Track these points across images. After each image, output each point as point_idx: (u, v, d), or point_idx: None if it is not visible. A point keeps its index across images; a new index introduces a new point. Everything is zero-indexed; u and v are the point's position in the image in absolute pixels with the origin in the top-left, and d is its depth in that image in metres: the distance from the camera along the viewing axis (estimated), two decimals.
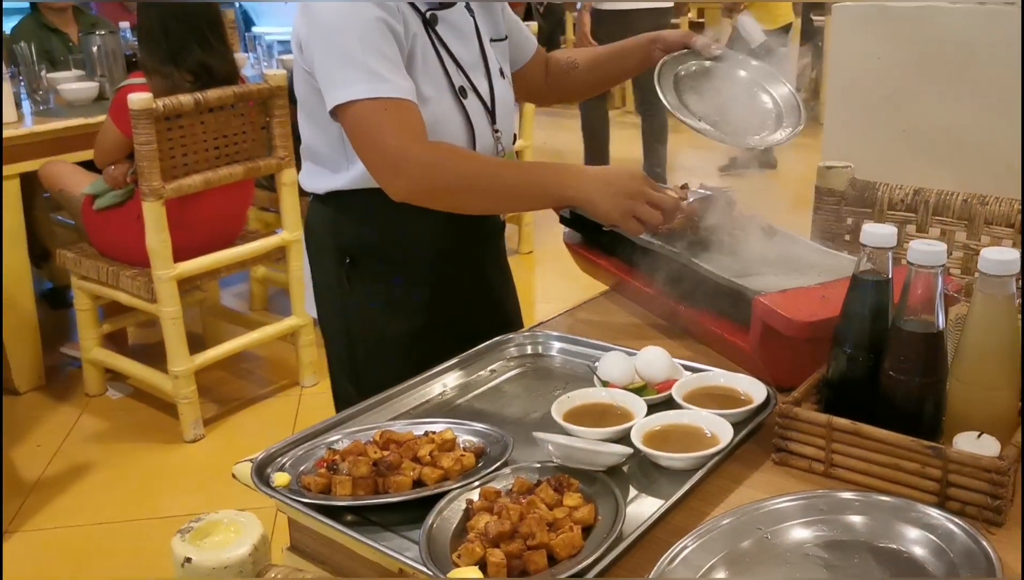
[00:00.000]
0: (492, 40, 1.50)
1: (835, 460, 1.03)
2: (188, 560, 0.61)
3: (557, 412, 1.11)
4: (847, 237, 1.64)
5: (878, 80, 2.27)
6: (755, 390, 1.15)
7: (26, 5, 4.21)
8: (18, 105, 3.22)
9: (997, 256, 0.97)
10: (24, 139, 3.10)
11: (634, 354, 1.23)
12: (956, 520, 0.89)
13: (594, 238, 1.59)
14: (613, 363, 1.21)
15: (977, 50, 2.10)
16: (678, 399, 1.14)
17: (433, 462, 1.03)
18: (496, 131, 1.45)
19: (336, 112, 1.30)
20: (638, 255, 1.46)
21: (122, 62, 3.55)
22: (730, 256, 1.35)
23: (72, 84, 3.48)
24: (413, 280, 1.47)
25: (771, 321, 1.17)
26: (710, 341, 1.35)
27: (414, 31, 1.35)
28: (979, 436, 0.97)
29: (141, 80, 2.71)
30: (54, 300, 3.88)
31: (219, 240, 2.91)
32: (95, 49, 3.50)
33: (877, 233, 1.03)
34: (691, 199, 1.45)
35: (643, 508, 0.97)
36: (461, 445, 1.08)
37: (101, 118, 2.97)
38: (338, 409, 1.50)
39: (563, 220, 1.67)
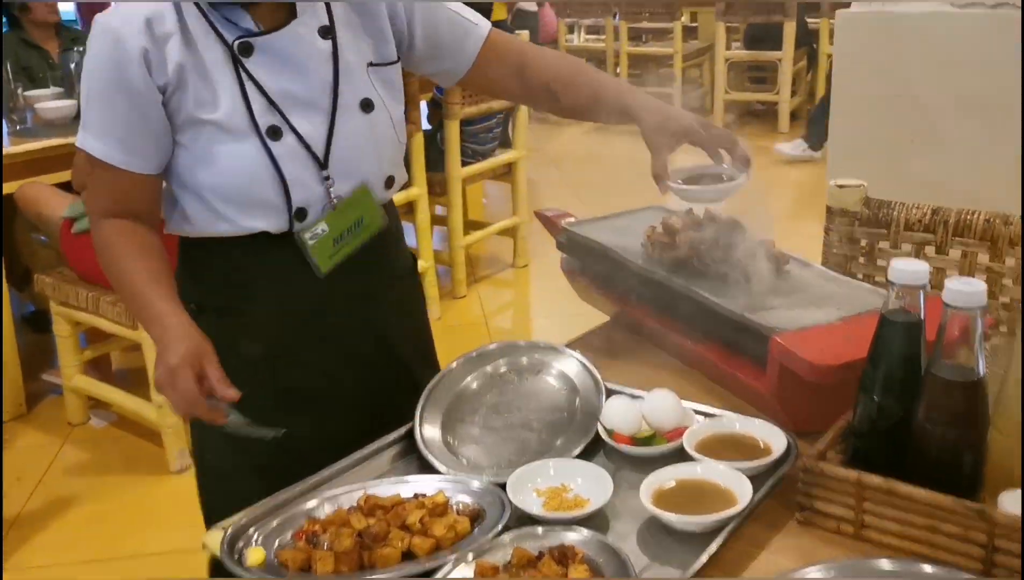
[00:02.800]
0: (372, 64, 1.31)
1: (866, 521, 0.94)
2: None
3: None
4: (861, 259, 1.55)
5: (886, 90, 2.19)
6: (774, 438, 1.06)
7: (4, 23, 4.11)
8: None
9: None
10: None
11: (640, 397, 1.14)
12: None
13: (593, 267, 1.49)
14: (618, 410, 1.12)
15: (990, 56, 2.01)
16: (690, 450, 1.05)
17: (424, 530, 0.94)
18: (327, 177, 1.26)
19: None
20: (641, 285, 1.36)
21: None
22: (740, 286, 1.25)
23: (50, 102, 3.39)
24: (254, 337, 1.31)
25: (790, 363, 1.07)
26: (721, 379, 1.25)
27: (199, 64, 1.21)
28: None
29: None
30: (37, 324, 3.77)
31: None
32: (73, 66, 3.40)
33: (907, 270, 0.94)
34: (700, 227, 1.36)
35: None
36: (454, 507, 0.98)
37: None
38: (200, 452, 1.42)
39: (560, 245, 1.58)
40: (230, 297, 1.32)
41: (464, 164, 3.79)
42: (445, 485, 1.03)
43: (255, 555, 0.91)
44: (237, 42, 1.22)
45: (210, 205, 1.25)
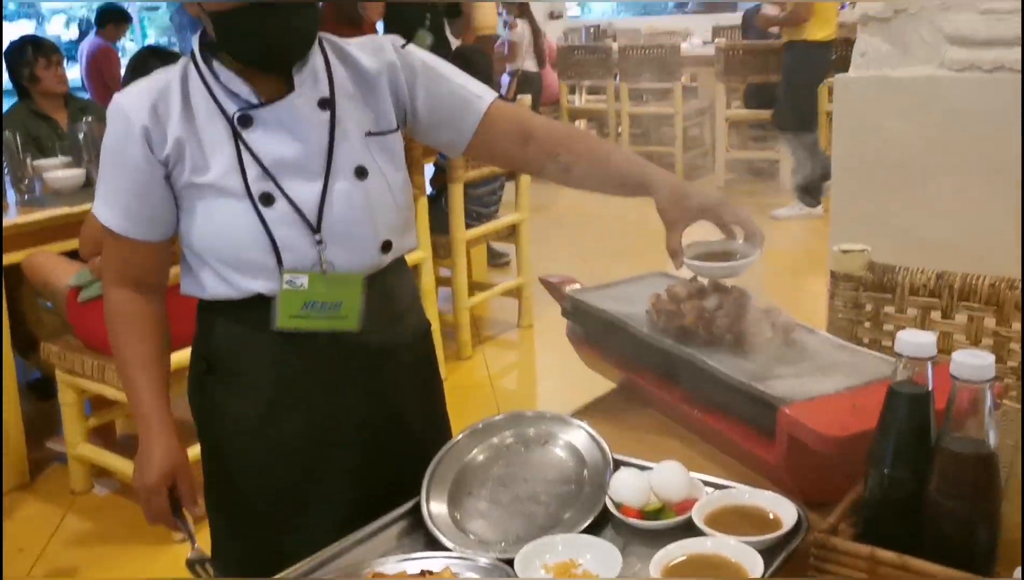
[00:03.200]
0: (371, 133, 1.35)
1: None
2: None
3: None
4: (867, 324, 1.55)
5: (886, 154, 2.21)
6: (784, 510, 1.05)
7: (13, 91, 4.18)
8: (3, 195, 3.16)
9: None
10: (8, 231, 3.02)
11: (649, 469, 1.13)
12: None
13: (599, 334, 1.49)
14: (626, 482, 1.11)
15: (988, 119, 2.04)
16: (699, 523, 1.04)
17: None
18: (319, 241, 1.29)
19: None
20: (647, 353, 1.36)
21: None
22: (746, 355, 1.25)
23: (58, 172, 3.43)
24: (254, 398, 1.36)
25: (799, 434, 1.07)
26: (729, 449, 1.24)
27: (195, 137, 1.27)
28: None
29: None
30: (42, 391, 3.77)
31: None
32: (82, 136, 3.45)
33: (914, 341, 0.94)
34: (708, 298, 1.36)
35: None
36: None
37: (87, 207, 2.90)
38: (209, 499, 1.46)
39: (564, 313, 1.59)
40: (235, 358, 1.36)
41: (468, 226, 3.82)
42: (452, 562, 1.01)
43: None
44: (237, 114, 1.27)
45: (213, 267, 1.30)
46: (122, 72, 7.17)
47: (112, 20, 7.27)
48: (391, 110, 1.37)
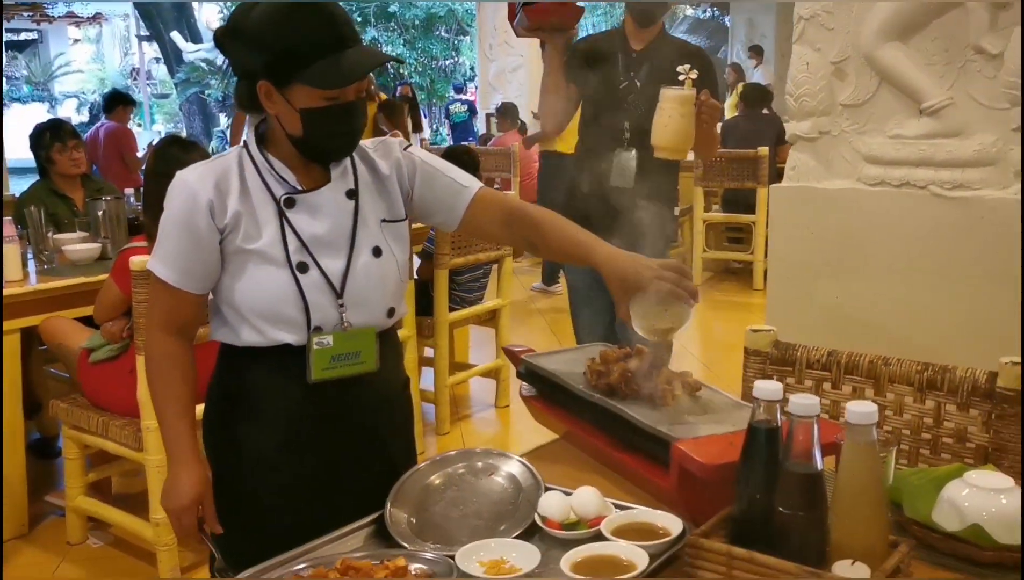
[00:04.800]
0: (385, 221, 1.64)
1: None
2: None
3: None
4: None
5: (814, 251, 2.53)
6: (672, 524, 1.31)
7: (34, 170, 4.52)
8: (24, 264, 3.44)
9: (859, 408, 1.16)
10: (28, 296, 3.30)
11: (570, 493, 1.40)
12: None
13: (545, 392, 1.77)
14: (551, 502, 1.38)
15: (897, 226, 2.36)
16: (606, 533, 1.31)
17: None
18: (341, 305, 1.57)
19: None
20: (580, 407, 1.64)
21: (125, 225, 3.81)
22: (658, 407, 1.53)
23: (76, 245, 3.72)
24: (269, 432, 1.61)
25: (686, 464, 1.34)
26: (637, 481, 1.52)
27: (251, 212, 1.54)
28: (853, 563, 1.13)
29: (143, 244, 2.95)
30: (40, 451, 3.99)
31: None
32: (100, 213, 3.76)
33: (767, 388, 1.23)
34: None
35: None
36: (412, 571, 1.23)
37: (101, 277, 3.19)
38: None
39: (519, 374, 1.87)
40: (258, 398, 1.61)
41: (451, 309, 4.11)
42: (407, 555, 1.27)
43: None
44: (284, 197, 1.57)
45: (247, 319, 1.56)
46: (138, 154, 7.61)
47: (121, 103, 7.68)
48: (400, 201, 1.68)
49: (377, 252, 1.62)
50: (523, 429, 4.38)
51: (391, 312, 1.66)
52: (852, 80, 2.41)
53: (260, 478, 1.62)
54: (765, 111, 7.44)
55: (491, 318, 4.44)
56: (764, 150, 6.65)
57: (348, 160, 1.64)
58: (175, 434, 1.60)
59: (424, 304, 4.00)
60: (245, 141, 1.63)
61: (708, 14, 17.40)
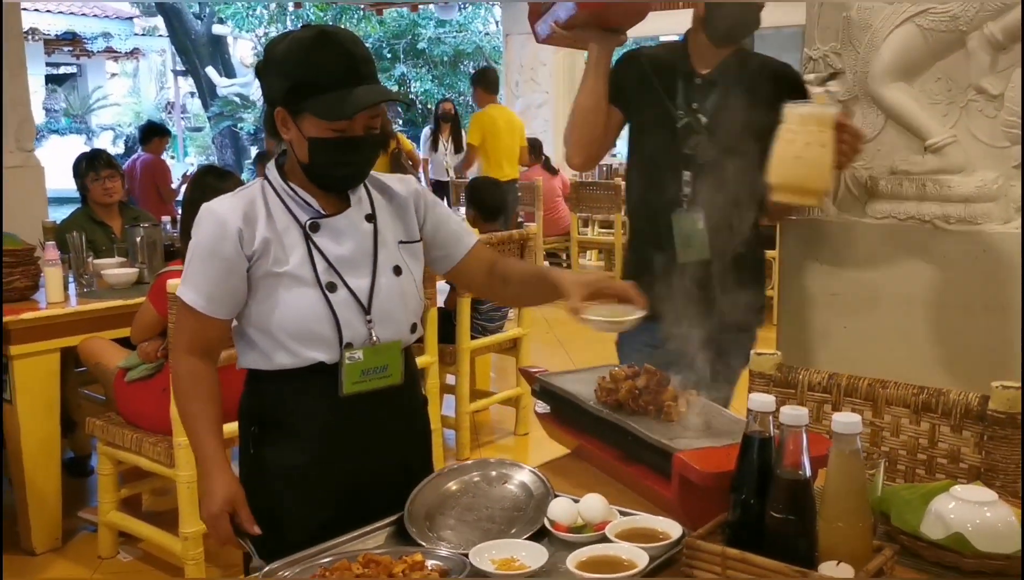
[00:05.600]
0: (402, 242, 1.76)
1: None
2: None
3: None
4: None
5: (821, 285, 2.61)
6: (673, 529, 1.40)
7: (77, 199, 4.70)
8: (65, 287, 3.60)
9: (844, 419, 1.25)
10: (68, 317, 3.45)
11: (578, 500, 1.49)
12: None
13: (558, 409, 1.87)
14: (560, 507, 1.47)
15: (901, 259, 2.44)
16: (610, 536, 1.40)
17: (405, 578, 1.28)
18: (369, 321, 1.66)
19: None
20: (590, 422, 1.74)
21: (161, 252, 3.96)
22: (663, 423, 1.63)
23: (115, 270, 3.88)
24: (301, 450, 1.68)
25: (685, 473, 1.44)
26: (643, 492, 1.61)
27: (278, 238, 1.63)
28: (838, 564, 1.22)
29: (179, 267, 3.08)
30: (74, 469, 4.12)
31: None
32: (138, 240, 3.92)
33: (761, 400, 1.32)
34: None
35: None
36: (429, 566, 1.33)
37: (138, 300, 3.33)
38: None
39: (534, 393, 1.96)
40: (290, 417, 1.69)
41: (473, 338, 4.22)
42: (422, 551, 1.37)
43: None
44: (309, 221, 1.67)
45: (279, 341, 1.65)
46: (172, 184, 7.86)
47: (156, 135, 7.94)
48: (416, 225, 1.80)
49: (397, 271, 1.72)
50: (543, 456, 4.46)
51: (414, 327, 1.76)
52: (859, 118, 2.51)
53: (292, 492, 1.69)
54: None
55: (512, 347, 4.54)
56: None
57: (363, 189, 1.74)
58: (205, 448, 1.67)
59: (447, 331, 4.11)
60: (267, 173, 1.72)
61: None
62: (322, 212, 1.69)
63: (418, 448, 1.85)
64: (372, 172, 1.77)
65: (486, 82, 7.27)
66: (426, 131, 9.98)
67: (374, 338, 1.68)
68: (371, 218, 1.72)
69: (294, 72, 1.60)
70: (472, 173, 7.35)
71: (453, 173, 8.73)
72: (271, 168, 1.73)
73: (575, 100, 2.39)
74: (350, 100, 1.57)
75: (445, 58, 18.07)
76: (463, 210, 4.91)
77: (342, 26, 1.61)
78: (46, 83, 18.37)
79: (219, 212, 1.65)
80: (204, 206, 1.66)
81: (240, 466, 1.79)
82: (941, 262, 2.40)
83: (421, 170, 8.59)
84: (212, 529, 1.66)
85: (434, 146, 9.17)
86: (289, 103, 1.62)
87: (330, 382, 1.66)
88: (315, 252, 1.66)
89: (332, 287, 1.65)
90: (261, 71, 1.67)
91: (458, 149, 8.80)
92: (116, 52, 18.26)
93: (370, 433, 1.72)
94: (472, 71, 18.02)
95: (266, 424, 1.71)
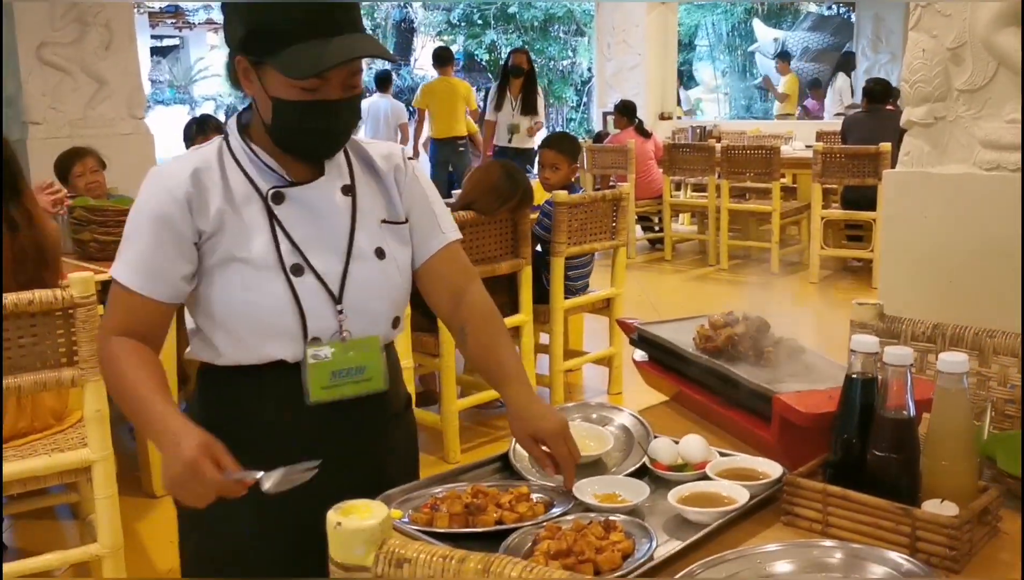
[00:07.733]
0: (385, 221, 1.48)
1: (831, 521, 1.29)
2: (338, 524, 0.92)
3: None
4: (879, 364, 1.90)
5: (925, 237, 2.56)
6: (772, 469, 1.42)
7: None
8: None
9: (950, 358, 1.24)
10: None
11: (678, 441, 1.52)
12: (913, 561, 1.13)
13: (656, 356, 1.90)
14: (661, 446, 1.51)
15: (1010, 211, 2.38)
16: (711, 475, 1.43)
17: (511, 508, 1.33)
18: (340, 311, 1.40)
19: None
20: (690, 368, 1.76)
21: None
22: (762, 367, 1.64)
23: None
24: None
25: (786, 414, 1.45)
26: (743, 436, 1.63)
27: (234, 210, 1.36)
28: (942, 502, 1.22)
29: None
30: None
31: None
32: None
33: (864, 341, 1.33)
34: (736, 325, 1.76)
35: (671, 547, 1.24)
36: (535, 498, 1.38)
37: None
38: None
39: (632, 342, 1.99)
40: (245, 425, 1.41)
41: (566, 297, 4.26)
42: (528, 484, 1.42)
43: (394, 514, 1.32)
44: (271, 191, 1.40)
45: (236, 335, 1.38)
46: None
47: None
48: (399, 203, 1.51)
49: (380, 254, 1.45)
50: None
51: (395, 322, 1.49)
52: (969, 66, 2.44)
53: (245, 522, 1.40)
54: (889, 107, 7.30)
55: (605, 306, 4.56)
56: (886, 146, 6.53)
57: (342, 155, 1.47)
58: (154, 406, 1.30)
59: (539, 292, 4.15)
60: (227, 130, 1.45)
61: (833, 11, 17.03)
62: (288, 179, 1.42)
63: (403, 461, 1.60)
64: (354, 137, 1.49)
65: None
66: (492, 88, 7.94)
67: (345, 332, 1.41)
68: (349, 190, 1.45)
69: (251, 15, 1.32)
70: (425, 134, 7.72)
71: (515, 139, 7.53)
72: (231, 125, 1.44)
73: None
74: (323, 54, 1.29)
75: (536, 23, 18.00)
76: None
77: None
78: (151, 55, 18.98)
79: (165, 174, 1.38)
80: (151, 169, 1.41)
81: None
82: None
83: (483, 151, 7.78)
84: (193, 480, 1.21)
85: (498, 105, 7.61)
86: (249, 52, 1.34)
87: (294, 387, 1.39)
88: (277, 228, 1.39)
89: (298, 270, 1.38)
90: (224, 7, 1.40)
91: (527, 110, 7.55)
92: (216, 24, 18.73)
93: (343, 446, 1.43)
94: (563, 35, 17.84)
95: (218, 431, 1.29)
